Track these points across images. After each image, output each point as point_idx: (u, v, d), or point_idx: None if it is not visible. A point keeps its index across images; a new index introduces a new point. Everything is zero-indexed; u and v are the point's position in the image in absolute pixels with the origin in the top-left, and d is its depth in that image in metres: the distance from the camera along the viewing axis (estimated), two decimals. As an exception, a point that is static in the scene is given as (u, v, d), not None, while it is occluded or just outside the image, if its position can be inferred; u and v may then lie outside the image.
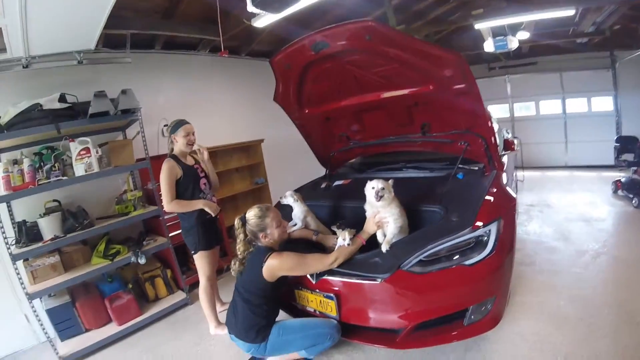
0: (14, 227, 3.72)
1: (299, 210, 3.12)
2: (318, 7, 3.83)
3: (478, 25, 5.35)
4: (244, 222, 2.62)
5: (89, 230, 3.80)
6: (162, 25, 4.67)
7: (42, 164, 3.70)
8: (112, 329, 3.83)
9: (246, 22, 4.33)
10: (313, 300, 2.65)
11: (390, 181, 2.63)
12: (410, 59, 2.74)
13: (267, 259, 2.43)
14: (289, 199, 3.16)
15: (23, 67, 3.80)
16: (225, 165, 5.95)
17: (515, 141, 4.66)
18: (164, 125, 5.10)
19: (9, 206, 3.87)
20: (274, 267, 2.42)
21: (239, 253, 2.66)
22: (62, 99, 3.83)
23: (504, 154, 3.97)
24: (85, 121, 3.79)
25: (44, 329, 3.63)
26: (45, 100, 3.69)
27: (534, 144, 8.92)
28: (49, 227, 3.67)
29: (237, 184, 6.26)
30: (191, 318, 3.94)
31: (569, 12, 5.03)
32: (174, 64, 5.53)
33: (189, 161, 3.38)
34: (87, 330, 3.85)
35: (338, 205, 3.36)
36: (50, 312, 3.72)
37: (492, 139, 3.17)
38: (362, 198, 2.70)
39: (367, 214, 2.68)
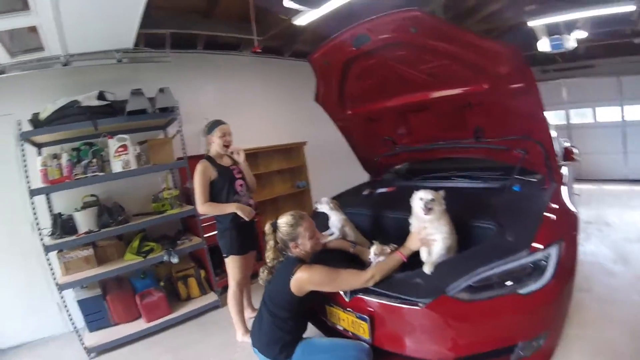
0: (51, 219, 3.80)
1: (335, 219, 2.86)
2: (363, 4, 3.57)
3: (532, 23, 4.90)
4: (275, 228, 2.39)
5: (123, 226, 3.81)
6: (201, 24, 4.58)
7: (79, 159, 3.72)
8: (140, 324, 3.81)
9: (285, 18, 4.16)
10: (345, 319, 2.34)
11: (441, 192, 2.30)
12: (461, 53, 2.39)
13: (295, 270, 2.19)
14: (324, 207, 2.89)
15: (62, 64, 3.76)
16: (267, 167, 5.79)
17: (575, 150, 4.21)
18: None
19: (48, 199, 3.98)
20: (303, 280, 2.18)
21: (268, 261, 2.46)
22: (100, 96, 3.85)
23: (563, 164, 3.53)
24: (122, 118, 3.82)
25: (71, 318, 3.64)
26: (83, 97, 3.72)
27: (590, 154, 8.03)
28: (84, 221, 3.71)
29: (278, 186, 6.07)
30: (220, 322, 3.77)
31: (629, 7, 4.52)
32: (215, 64, 5.45)
33: (225, 162, 3.26)
34: (115, 324, 3.86)
35: (380, 215, 3.05)
36: (81, 303, 3.79)
37: (553, 147, 2.77)
38: (408, 208, 2.39)
39: (412, 227, 2.36)
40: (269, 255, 2.45)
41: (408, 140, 3.57)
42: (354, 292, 2.25)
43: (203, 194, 3.06)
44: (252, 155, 5.44)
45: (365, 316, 2.21)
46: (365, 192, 3.59)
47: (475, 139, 3.00)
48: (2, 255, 3.84)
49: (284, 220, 2.36)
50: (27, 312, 3.93)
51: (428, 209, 2.20)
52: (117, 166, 3.72)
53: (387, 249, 2.38)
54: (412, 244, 2.31)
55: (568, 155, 3.94)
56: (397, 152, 3.70)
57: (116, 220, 3.82)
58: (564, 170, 3.28)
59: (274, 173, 5.98)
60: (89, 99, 3.72)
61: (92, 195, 4.02)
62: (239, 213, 3.03)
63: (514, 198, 2.67)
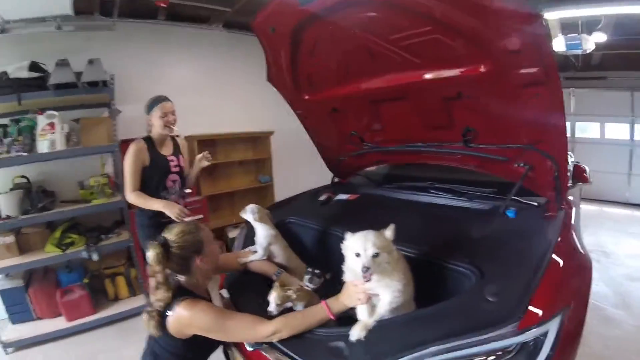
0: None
1: (261, 234, 2.13)
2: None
3: (549, 15, 4.13)
4: (167, 246, 1.63)
5: (43, 214, 3.45)
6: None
7: (5, 135, 3.38)
8: (62, 322, 3.52)
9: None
10: (246, 370, 1.63)
11: (389, 231, 1.48)
12: (452, 16, 1.60)
13: (175, 305, 1.53)
14: (249, 216, 2.15)
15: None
16: (227, 157, 5.04)
17: (587, 169, 3.44)
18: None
19: None
20: (183, 321, 1.53)
21: (154, 301, 1.59)
22: (33, 67, 3.48)
23: (573, 186, 2.79)
24: (49, 93, 3.44)
25: None
26: (13, 68, 3.41)
27: (593, 172, 7.30)
28: (5, 205, 3.40)
29: (238, 179, 5.29)
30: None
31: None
32: (179, 37, 4.79)
33: (165, 149, 2.78)
34: (38, 319, 3.60)
35: (333, 230, 2.26)
36: (2, 293, 3.55)
37: (567, 163, 2.05)
38: (366, 226, 1.55)
39: (346, 277, 1.56)
40: (157, 295, 1.58)
41: (379, 138, 2.79)
42: (258, 343, 1.56)
43: (133, 180, 2.57)
44: (210, 143, 4.71)
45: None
46: (322, 198, 2.86)
47: (464, 143, 2.20)
48: None
49: (177, 231, 1.69)
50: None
51: (369, 275, 1.37)
52: (43, 146, 3.35)
53: (293, 295, 1.71)
54: (346, 298, 1.53)
55: (579, 175, 3.12)
56: (365, 152, 2.91)
57: (36, 207, 3.44)
58: (573, 194, 2.55)
59: (235, 164, 5.21)
60: (19, 70, 3.39)
61: (22, 177, 3.64)
62: (167, 212, 2.43)
63: (506, 228, 1.90)
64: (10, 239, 3.42)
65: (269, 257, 2.12)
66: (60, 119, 3.42)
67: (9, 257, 3.42)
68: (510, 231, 1.86)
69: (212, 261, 1.78)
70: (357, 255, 1.39)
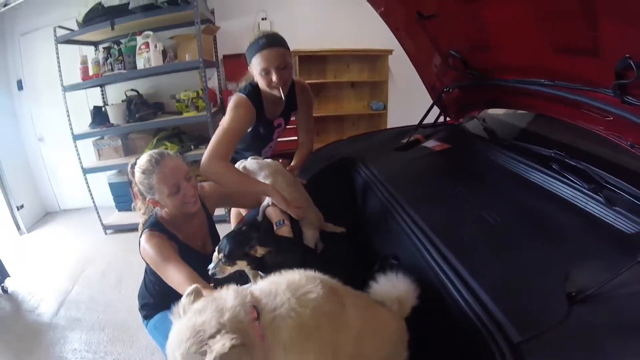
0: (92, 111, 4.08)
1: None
2: None
3: None
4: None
5: (139, 123, 3.81)
6: None
7: (109, 57, 3.73)
8: None
9: None
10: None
11: None
12: None
13: (141, 234, 1.47)
14: (252, 164, 1.65)
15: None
16: (337, 76, 4.38)
17: None
18: (262, 19, 3.97)
19: (102, 91, 4.39)
20: (143, 251, 1.44)
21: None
22: None
23: None
24: (138, 16, 3.50)
25: (92, 197, 3.97)
26: None
27: None
28: (113, 115, 3.89)
29: (348, 103, 4.64)
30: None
31: None
32: None
33: (272, 109, 1.86)
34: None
35: (379, 189, 1.62)
36: (111, 186, 4.35)
37: None
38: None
39: None
40: (141, 219, 1.60)
41: (489, 64, 1.77)
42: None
43: (224, 148, 1.60)
44: (320, 59, 4.13)
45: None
46: (404, 141, 2.11)
47: (617, 92, 1.08)
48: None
49: (140, 162, 1.46)
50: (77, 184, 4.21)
51: None
52: (140, 63, 3.60)
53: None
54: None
55: None
56: (471, 84, 1.95)
57: (134, 117, 3.82)
58: None
59: (346, 85, 4.52)
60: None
61: (132, 90, 4.06)
62: (275, 201, 1.55)
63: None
64: (117, 143, 4.03)
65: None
66: (155, 38, 3.57)
67: (117, 158, 4.05)
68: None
69: (171, 207, 1.47)
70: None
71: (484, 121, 2.12)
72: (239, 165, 1.68)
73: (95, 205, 3.97)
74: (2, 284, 3.09)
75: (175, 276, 1.30)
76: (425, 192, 1.57)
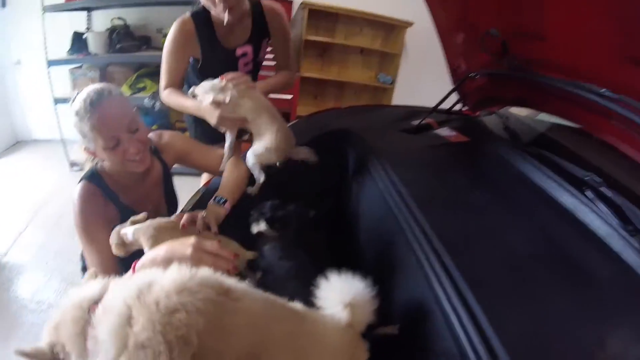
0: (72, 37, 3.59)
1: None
2: None
3: None
4: None
5: (119, 55, 3.47)
6: None
7: None
8: None
9: None
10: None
11: None
12: None
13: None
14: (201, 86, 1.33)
15: None
16: (347, 39, 3.97)
17: None
18: None
19: (88, 17, 3.80)
20: (72, 210, 1.14)
21: None
22: None
23: None
24: None
25: (60, 129, 3.62)
26: None
27: None
28: (93, 43, 3.47)
29: (355, 70, 4.24)
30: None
31: None
32: None
33: (234, 36, 1.70)
34: None
35: (380, 174, 1.34)
36: None
37: None
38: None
39: None
40: None
41: (536, 54, 1.46)
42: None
43: (167, 75, 1.70)
44: (332, 17, 3.74)
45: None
46: (415, 122, 1.82)
47: None
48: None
49: (76, 100, 1.09)
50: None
51: None
52: None
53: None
54: None
55: None
56: (508, 74, 1.62)
57: (114, 48, 3.46)
58: None
59: (354, 51, 4.11)
60: None
61: (119, 19, 3.61)
62: (206, 118, 1.37)
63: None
64: (94, 74, 3.56)
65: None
66: None
67: (93, 90, 3.60)
68: None
69: (110, 162, 1.17)
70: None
71: (507, 119, 1.86)
72: (191, 90, 1.38)
73: (62, 139, 3.61)
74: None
75: (92, 258, 1.09)
76: (438, 192, 1.29)
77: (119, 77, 3.64)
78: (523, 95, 1.73)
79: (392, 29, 3.97)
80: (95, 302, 0.68)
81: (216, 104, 1.24)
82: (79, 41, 3.51)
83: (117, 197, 1.20)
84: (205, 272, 0.70)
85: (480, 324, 0.75)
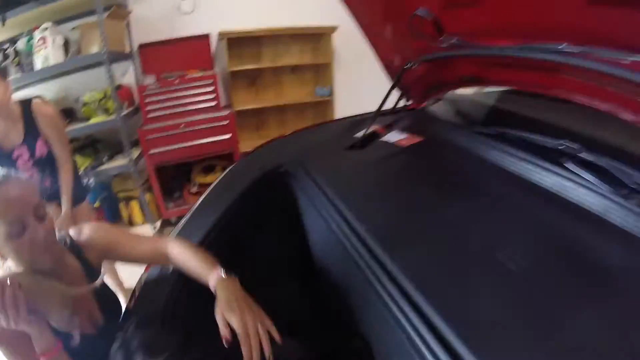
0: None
1: None
2: None
3: None
4: None
5: None
6: None
7: (4, 60, 3.02)
8: None
9: None
10: None
11: None
12: None
13: None
14: None
15: None
16: (275, 61, 3.76)
17: None
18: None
19: None
20: None
21: None
22: None
23: None
24: (32, 5, 2.82)
25: None
26: None
27: None
28: None
29: (291, 90, 4.03)
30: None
31: None
32: None
33: (8, 140, 1.77)
34: None
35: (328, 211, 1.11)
36: None
37: None
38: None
39: None
40: None
41: (473, 26, 1.27)
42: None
43: None
44: (254, 42, 3.53)
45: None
46: (358, 135, 1.61)
47: None
48: None
49: None
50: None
51: None
52: (38, 63, 2.92)
53: None
54: None
55: None
56: (446, 55, 1.42)
57: None
58: None
59: (286, 70, 3.91)
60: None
61: (36, 97, 3.21)
62: None
63: None
64: None
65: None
66: (54, 31, 2.91)
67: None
68: None
69: (15, 258, 0.92)
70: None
71: (457, 104, 1.68)
72: None
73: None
74: None
75: None
76: (399, 218, 1.06)
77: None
78: (469, 73, 1.55)
79: (318, 38, 3.80)
80: None
81: None
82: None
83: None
84: None
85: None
